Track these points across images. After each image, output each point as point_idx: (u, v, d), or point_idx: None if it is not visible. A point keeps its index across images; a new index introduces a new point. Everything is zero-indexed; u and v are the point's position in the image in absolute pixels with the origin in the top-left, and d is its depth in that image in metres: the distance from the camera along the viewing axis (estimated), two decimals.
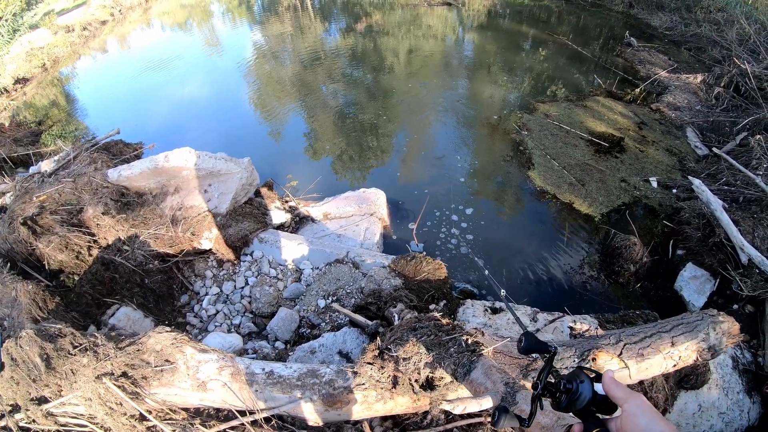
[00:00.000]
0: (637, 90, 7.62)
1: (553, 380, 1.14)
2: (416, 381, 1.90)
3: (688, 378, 2.99)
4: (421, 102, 7.56)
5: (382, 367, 1.97)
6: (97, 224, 3.69)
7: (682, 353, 2.44)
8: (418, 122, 6.89)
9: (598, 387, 1.03)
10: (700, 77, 7.82)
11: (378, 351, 2.03)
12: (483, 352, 1.87)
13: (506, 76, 8.78)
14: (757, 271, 3.75)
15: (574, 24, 12.17)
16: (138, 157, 5.52)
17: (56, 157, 4.65)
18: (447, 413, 2.11)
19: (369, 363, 2.00)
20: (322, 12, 13.40)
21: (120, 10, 13.46)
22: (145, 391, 2.10)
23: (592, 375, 1.07)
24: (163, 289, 3.78)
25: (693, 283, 4.04)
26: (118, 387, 2.04)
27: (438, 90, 8.11)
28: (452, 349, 1.87)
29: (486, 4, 13.87)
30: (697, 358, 2.48)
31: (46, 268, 3.42)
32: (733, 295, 3.84)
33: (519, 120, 6.79)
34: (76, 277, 3.47)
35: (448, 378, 1.88)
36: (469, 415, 2.11)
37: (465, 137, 6.55)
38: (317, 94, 7.83)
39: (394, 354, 1.94)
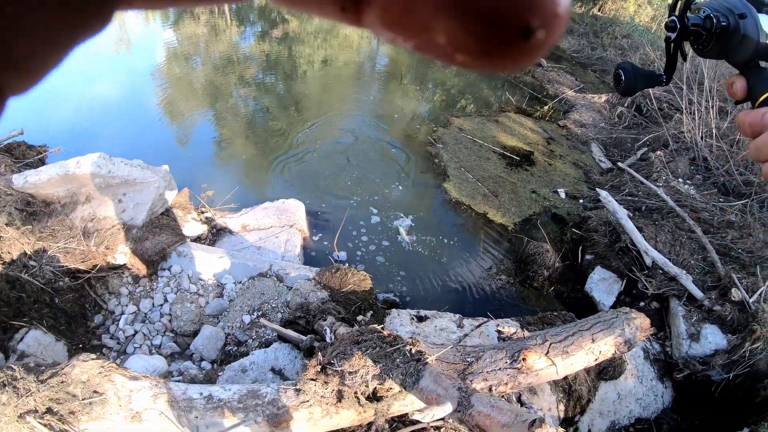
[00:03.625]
0: (546, 107, 8.19)
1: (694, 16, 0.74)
2: (362, 393, 1.88)
3: (607, 370, 3.26)
4: (336, 112, 7.52)
5: (326, 383, 1.93)
6: (0, 237, 3.29)
7: (602, 348, 2.65)
8: (334, 132, 6.84)
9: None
10: (604, 97, 8.59)
11: (320, 366, 1.99)
12: (428, 360, 1.90)
13: (419, 88, 9.03)
14: (661, 271, 4.16)
15: None
16: (42, 161, 4.99)
17: None
18: (390, 422, 2.11)
19: (312, 379, 1.95)
20: (238, 15, 12.94)
21: None
22: (74, 427, 1.87)
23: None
24: (75, 309, 3.43)
25: (602, 285, 4.40)
26: (44, 425, 1.79)
27: (353, 100, 8.12)
28: (398, 360, 1.88)
29: None
30: (616, 352, 2.73)
31: None
32: (639, 293, 4.23)
33: (434, 133, 6.98)
34: None
35: (396, 388, 1.88)
36: (412, 422, 2.13)
37: (381, 148, 6.59)
38: (234, 101, 7.54)
39: (339, 368, 1.90)
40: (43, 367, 1.98)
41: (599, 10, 14.16)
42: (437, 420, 1.67)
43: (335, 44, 11.06)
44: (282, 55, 9.94)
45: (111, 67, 8.61)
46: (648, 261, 4.26)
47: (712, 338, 3.57)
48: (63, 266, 3.44)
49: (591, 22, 12.94)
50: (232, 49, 10.06)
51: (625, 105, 7.93)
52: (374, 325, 2.15)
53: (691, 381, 3.51)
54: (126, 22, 11.70)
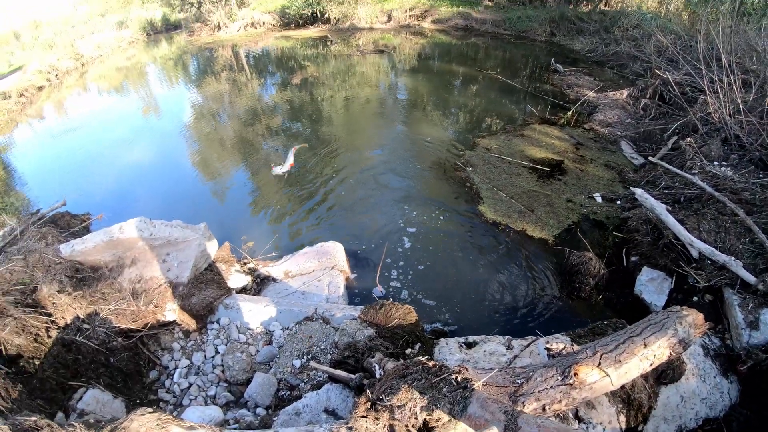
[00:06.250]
0: (569, 113, 8.13)
1: None
2: (413, 426, 1.88)
3: (666, 373, 3.11)
4: (362, 150, 7.68)
5: (377, 418, 1.94)
6: (53, 303, 3.48)
7: (656, 352, 2.54)
8: (362, 170, 6.97)
9: None
10: (626, 92, 8.46)
11: (370, 403, 2.01)
12: (474, 386, 1.89)
13: (443, 115, 9.13)
14: (709, 262, 3.99)
15: (501, 58, 12.94)
16: (87, 229, 5.31)
17: (0, 233, 4.39)
18: None
19: (363, 416, 1.97)
20: (257, 68, 13.52)
21: (56, 75, 13.17)
22: None
23: None
24: (130, 367, 3.58)
25: (651, 285, 4.24)
26: None
27: (378, 136, 8.28)
28: (444, 389, 1.88)
29: (415, 48, 14.51)
30: (671, 354, 2.60)
31: (4, 354, 3.17)
32: (691, 288, 4.04)
33: (461, 157, 7.01)
34: (37, 362, 3.21)
35: (445, 418, 1.88)
36: None
37: (412, 180, 6.65)
38: (260, 152, 7.81)
39: (388, 403, 1.92)
40: (103, 423, 2.06)
41: (606, 5, 14.07)
42: None
43: (354, 83, 11.36)
44: (305, 100, 10.29)
45: (142, 132, 9.10)
46: (695, 253, 4.10)
47: None
48: (115, 327, 3.61)
49: (599, 18, 12.85)
50: (255, 101, 10.50)
51: (648, 96, 7.76)
52: (419, 358, 2.16)
53: (757, 372, 3.30)
54: (152, 88, 12.42)
